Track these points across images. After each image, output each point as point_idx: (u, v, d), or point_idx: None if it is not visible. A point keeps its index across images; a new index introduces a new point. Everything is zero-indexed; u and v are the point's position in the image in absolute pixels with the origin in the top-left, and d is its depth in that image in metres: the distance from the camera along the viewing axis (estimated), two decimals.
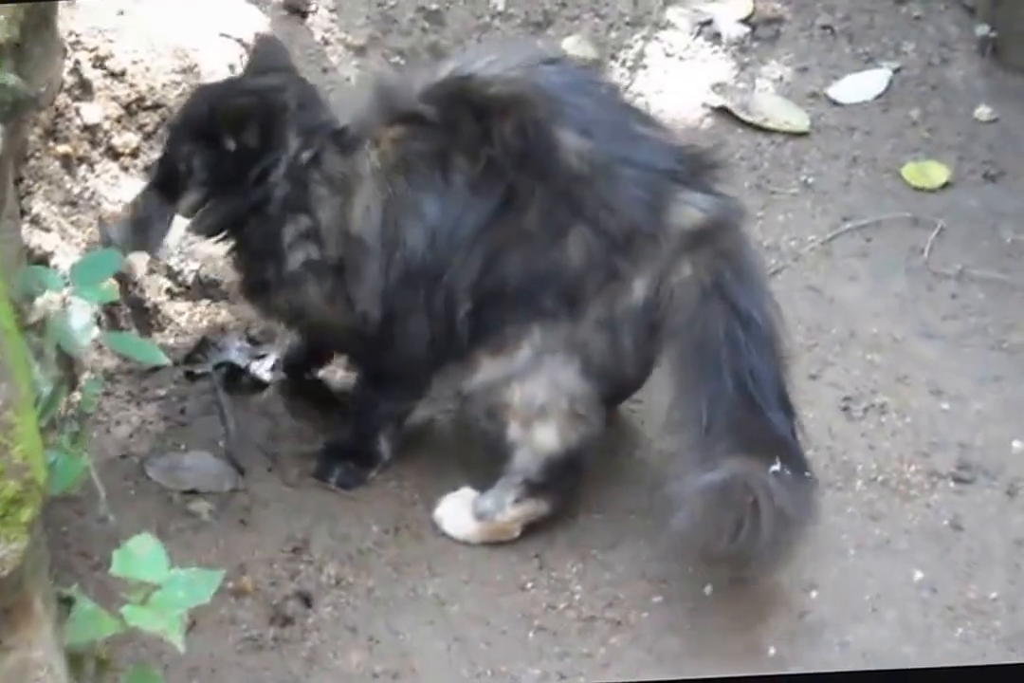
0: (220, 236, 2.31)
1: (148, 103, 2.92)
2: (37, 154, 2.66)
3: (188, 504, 2.35)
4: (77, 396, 2.07)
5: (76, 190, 2.70)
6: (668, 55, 3.56)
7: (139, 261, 2.65)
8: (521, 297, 2.22)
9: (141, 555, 1.59)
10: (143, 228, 2.28)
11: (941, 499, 2.47)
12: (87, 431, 1.81)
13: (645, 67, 3.52)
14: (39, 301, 1.80)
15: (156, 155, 2.69)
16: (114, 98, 2.88)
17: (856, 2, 3.67)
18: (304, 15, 3.32)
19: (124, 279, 2.61)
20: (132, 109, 2.90)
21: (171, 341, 2.63)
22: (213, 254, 2.72)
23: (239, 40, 3.14)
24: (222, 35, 3.13)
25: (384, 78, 2.46)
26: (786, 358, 2.25)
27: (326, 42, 3.30)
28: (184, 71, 2.99)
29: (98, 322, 2.39)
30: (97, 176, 2.76)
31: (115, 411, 2.50)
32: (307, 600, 2.22)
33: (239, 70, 3.03)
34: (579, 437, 2.23)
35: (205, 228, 2.30)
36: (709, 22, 3.64)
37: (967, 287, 2.88)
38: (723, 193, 2.30)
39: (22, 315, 1.76)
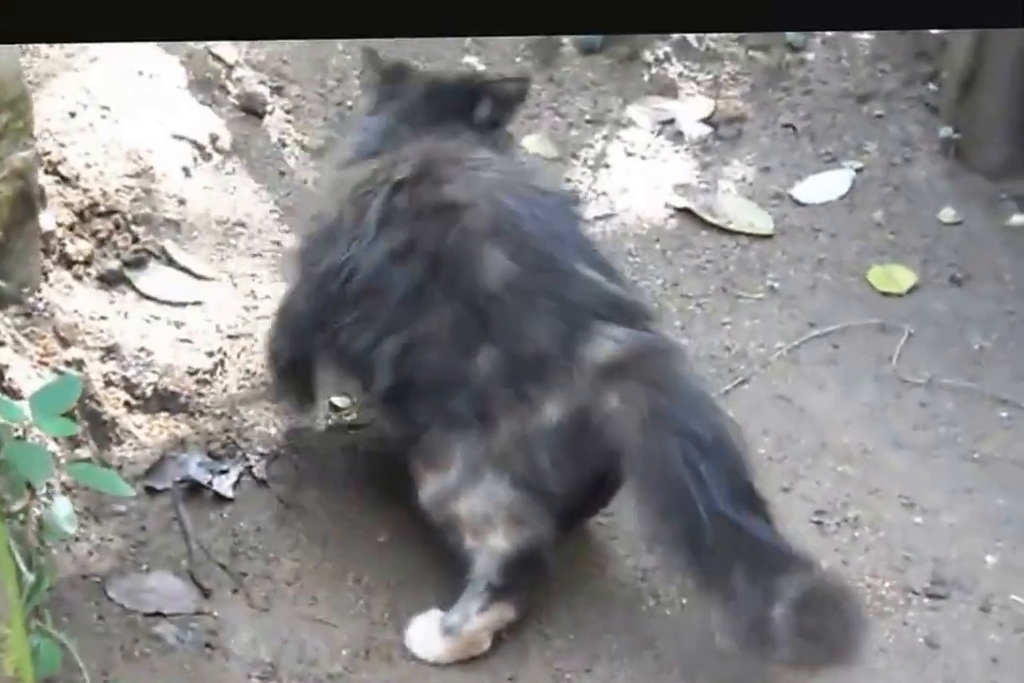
0: None
1: (102, 209, 2.97)
2: None
3: (152, 627, 2.38)
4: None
5: (28, 301, 2.74)
6: (630, 154, 3.66)
7: (96, 373, 2.69)
8: (434, 394, 2.32)
9: None
10: None
11: (916, 616, 2.54)
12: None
13: (607, 166, 3.61)
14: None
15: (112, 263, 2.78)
16: (67, 204, 2.92)
17: (818, 100, 3.79)
18: (260, 116, 3.40)
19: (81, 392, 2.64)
20: (85, 216, 2.94)
21: (130, 455, 2.66)
22: (173, 365, 2.77)
23: (193, 142, 3.21)
24: (176, 136, 3.20)
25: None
26: (752, 472, 2.32)
27: (283, 144, 3.39)
28: (138, 175, 3.06)
29: (55, 439, 2.45)
30: (50, 285, 2.79)
31: None
32: None
33: (193, 172, 3.10)
34: (526, 539, 2.32)
35: None
36: (671, 121, 3.76)
37: (936, 395, 2.97)
38: (649, 328, 2.38)
39: (4, 504, 1.81)
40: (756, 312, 3.19)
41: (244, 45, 3.56)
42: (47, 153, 2.96)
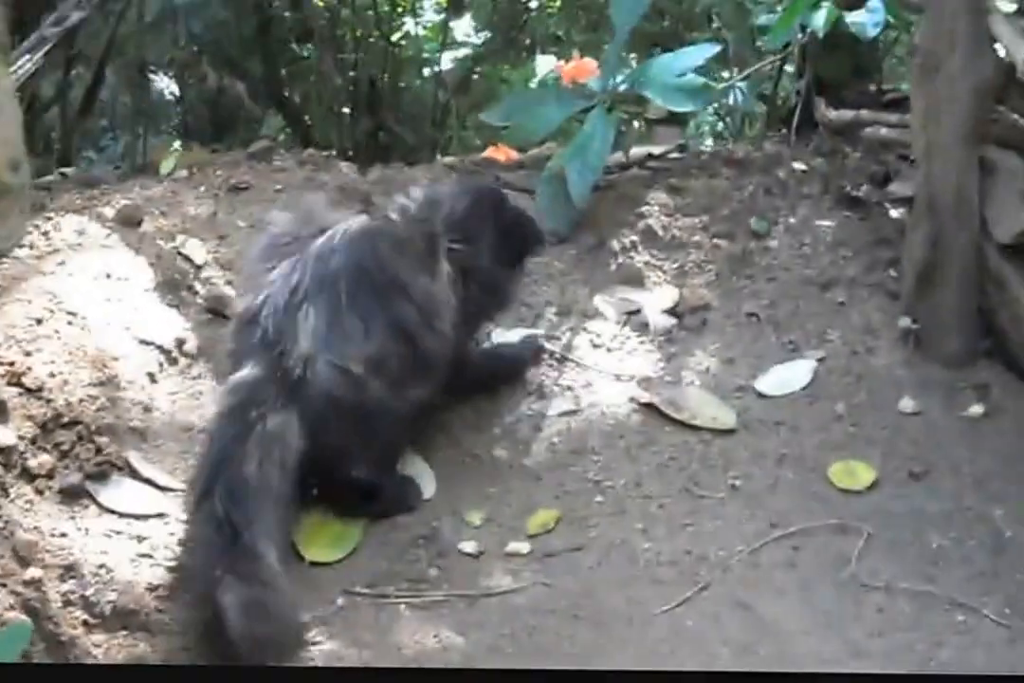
0: None
1: (65, 420, 3.05)
2: None
3: None
4: None
5: None
6: (596, 346, 3.76)
7: (54, 593, 2.74)
8: None
9: None
10: None
11: None
12: None
13: (573, 359, 3.69)
14: None
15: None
16: (30, 417, 3.00)
17: (781, 287, 3.91)
18: (227, 318, 3.50)
19: (38, 613, 2.70)
20: (48, 427, 3.02)
21: None
22: (133, 581, 2.83)
23: (160, 347, 3.31)
24: (143, 342, 3.30)
25: None
26: None
27: None
28: (103, 383, 3.15)
29: None
30: (11, 501, 2.86)
31: None
32: None
33: (159, 377, 3.19)
34: None
35: None
36: (637, 312, 3.85)
37: (894, 600, 3.03)
38: None
39: None
40: (718, 512, 3.25)
41: (213, 243, 3.66)
42: (11, 363, 3.05)
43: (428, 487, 3.28)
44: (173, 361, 3.34)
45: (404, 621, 2.92)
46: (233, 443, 2.87)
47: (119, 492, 3.02)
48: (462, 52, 6.74)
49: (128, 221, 3.61)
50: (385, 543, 3.13)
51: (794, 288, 3.91)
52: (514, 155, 4.35)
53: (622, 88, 4.06)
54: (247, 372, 2.99)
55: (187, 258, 3.61)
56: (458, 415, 3.49)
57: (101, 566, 2.83)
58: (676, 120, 4.44)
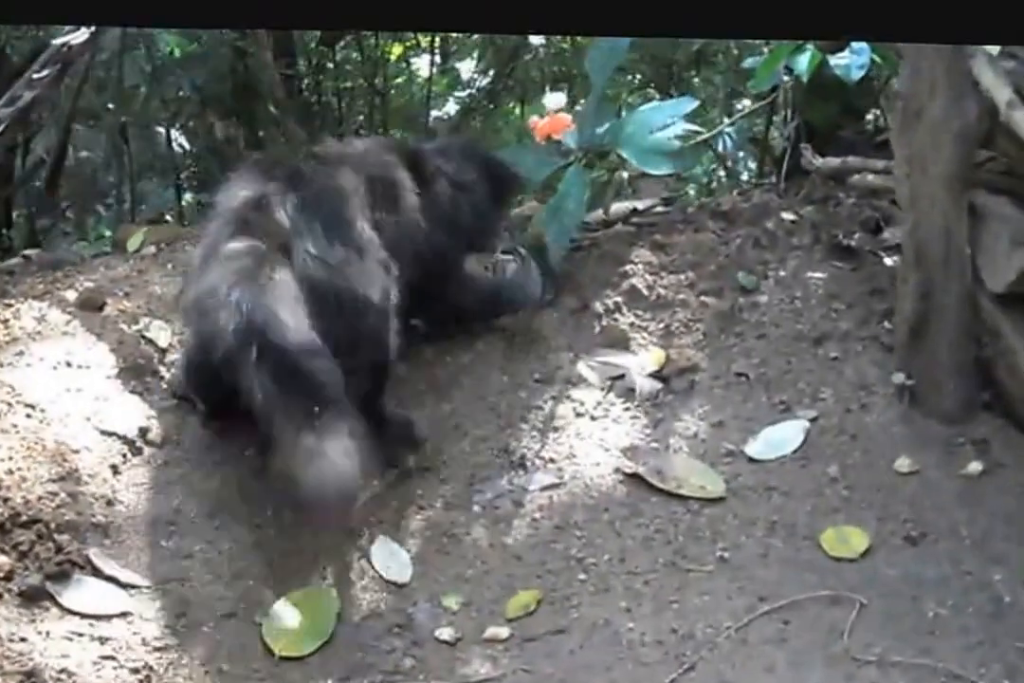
0: None
1: (24, 518, 3.09)
2: None
3: None
4: None
5: None
6: (579, 414, 3.77)
7: None
8: None
9: None
10: None
11: None
12: None
13: (556, 429, 3.72)
14: None
15: None
16: None
17: (771, 345, 3.91)
18: (195, 404, 3.53)
19: None
20: (6, 527, 3.06)
21: None
22: None
23: (123, 437, 3.34)
24: (105, 433, 3.33)
25: None
26: None
27: (217, 430, 3.50)
28: (63, 478, 3.19)
29: None
30: None
31: None
32: None
33: (122, 469, 3.22)
34: None
35: None
36: (621, 376, 3.86)
37: (888, 674, 3.03)
38: None
39: None
40: (706, 587, 3.26)
41: (178, 325, 3.70)
42: None
43: (404, 572, 3.27)
44: (137, 451, 3.36)
45: None
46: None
47: (81, 592, 3.04)
48: (454, 101, 6.77)
49: (90, 305, 3.66)
50: (358, 633, 3.14)
51: (785, 345, 3.92)
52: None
53: (599, 141, 4.04)
54: (240, 244, 3.22)
55: (151, 341, 3.64)
56: (435, 492, 3.49)
57: (62, 671, 2.87)
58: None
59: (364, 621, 3.16)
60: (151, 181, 6.37)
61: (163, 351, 3.62)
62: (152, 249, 4.09)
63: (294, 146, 5.35)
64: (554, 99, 4.25)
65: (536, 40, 6.44)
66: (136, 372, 3.54)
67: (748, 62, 4.70)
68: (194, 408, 3.49)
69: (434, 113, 6.56)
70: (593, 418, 3.75)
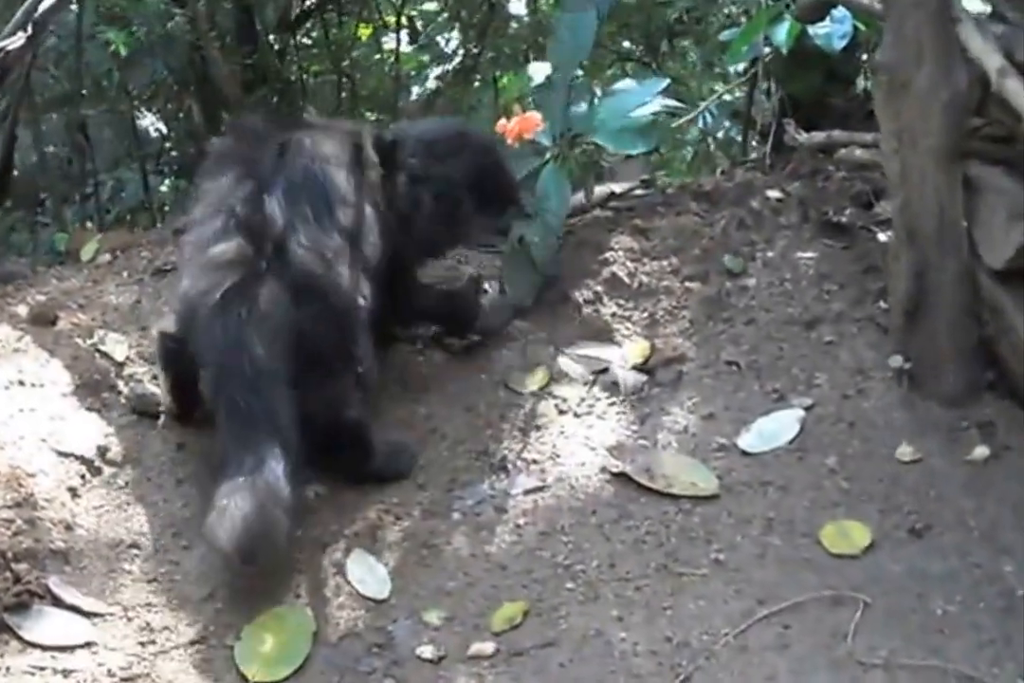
0: None
1: None
2: None
3: None
4: None
5: None
6: (562, 412, 3.71)
7: None
8: None
9: None
10: None
11: None
12: None
13: (537, 428, 3.66)
14: None
15: None
16: None
17: (761, 330, 3.85)
18: (155, 417, 3.47)
19: None
20: None
21: None
22: None
23: (81, 457, 3.28)
24: (62, 454, 3.28)
25: None
26: None
27: (179, 446, 3.45)
28: (19, 504, 3.14)
29: None
30: None
31: None
32: None
33: (81, 491, 3.16)
34: None
35: None
36: (605, 370, 3.80)
37: (896, 678, 2.97)
38: None
39: None
40: (700, 591, 3.20)
41: (135, 337, 3.64)
42: None
43: (382, 587, 3.22)
44: (96, 472, 3.32)
45: None
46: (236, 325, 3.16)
47: (41, 623, 3.00)
48: (426, 81, 6.70)
49: (42, 320, 3.60)
50: (336, 654, 3.09)
51: (776, 329, 3.87)
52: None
53: (572, 134, 3.98)
54: (228, 246, 3.25)
55: (107, 355, 3.59)
56: (413, 499, 3.44)
57: None
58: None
59: (341, 641, 3.11)
60: (130, 169, 6.29)
61: (120, 365, 3.57)
62: (107, 257, 4.03)
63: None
64: (539, 68, 4.17)
65: (515, 9, 6.37)
66: (92, 388, 3.49)
67: (725, 35, 4.63)
68: (156, 420, 3.41)
69: (415, 90, 6.46)
70: (576, 415, 3.69)
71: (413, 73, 6.85)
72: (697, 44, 5.17)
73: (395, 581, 3.27)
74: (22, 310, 3.69)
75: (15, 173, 4.83)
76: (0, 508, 3.09)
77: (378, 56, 6.79)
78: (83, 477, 3.27)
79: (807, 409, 3.64)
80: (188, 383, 3.34)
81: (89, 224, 5.63)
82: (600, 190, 4.28)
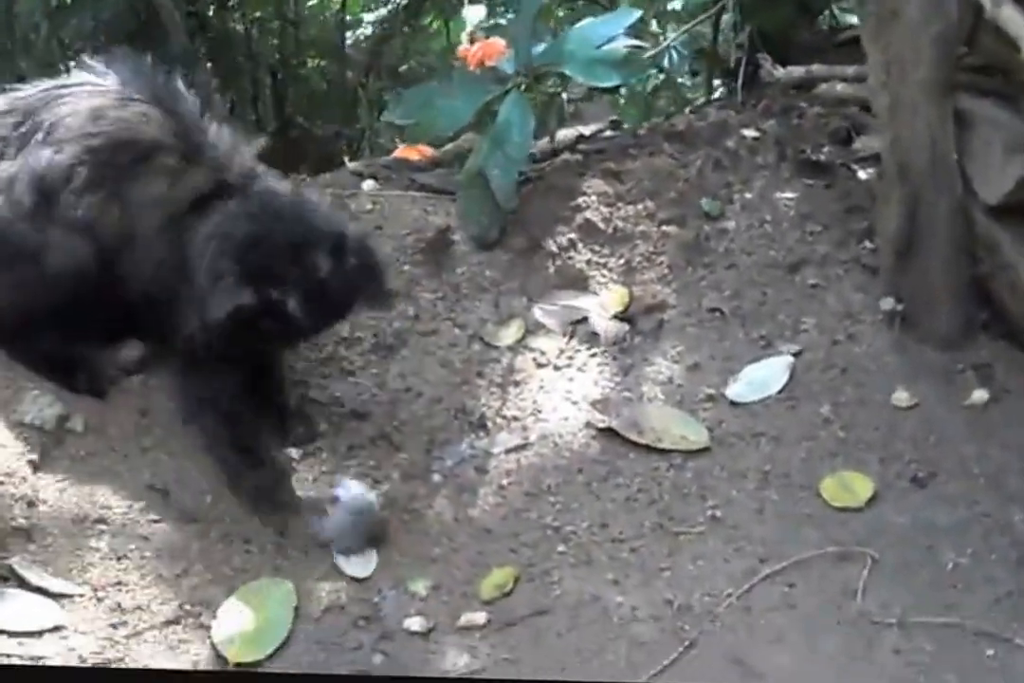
0: None
1: None
2: None
3: None
4: None
5: None
6: (541, 365, 3.53)
7: None
8: None
9: None
10: None
11: None
12: None
13: (516, 383, 3.48)
14: None
15: None
16: None
17: (743, 275, 3.67)
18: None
19: None
20: None
21: None
22: None
23: (40, 428, 3.08)
24: (19, 425, 3.11)
25: None
26: None
27: (143, 413, 3.23)
28: None
29: None
30: None
31: None
32: None
33: (42, 464, 2.96)
34: None
35: None
36: (583, 320, 3.61)
37: (911, 637, 2.82)
38: None
39: None
40: (698, 551, 3.04)
41: None
42: None
43: (368, 564, 3.01)
44: (57, 442, 3.09)
45: None
46: None
47: (6, 607, 2.79)
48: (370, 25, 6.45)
49: None
50: (319, 630, 2.89)
51: (759, 274, 3.69)
52: (428, 152, 4.08)
53: (537, 65, 3.75)
54: None
55: None
56: (390, 462, 3.24)
57: None
58: (606, 93, 4.16)
59: (325, 615, 2.93)
60: None
61: None
62: None
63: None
64: (473, 12, 3.94)
65: None
66: None
67: None
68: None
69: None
70: (556, 368, 3.51)
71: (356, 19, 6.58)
72: None
73: (377, 550, 3.04)
74: None
75: None
76: None
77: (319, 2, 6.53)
78: (43, 449, 3.03)
79: (796, 356, 3.48)
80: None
81: None
82: (567, 132, 4.07)
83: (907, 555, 2.99)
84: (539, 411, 3.39)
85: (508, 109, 3.71)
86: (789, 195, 3.83)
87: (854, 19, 4.31)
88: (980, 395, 3.32)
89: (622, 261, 3.75)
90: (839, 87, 3.84)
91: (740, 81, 4.16)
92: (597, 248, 3.76)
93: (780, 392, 3.39)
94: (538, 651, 2.84)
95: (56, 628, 2.79)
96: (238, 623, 2.86)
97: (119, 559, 2.95)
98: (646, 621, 2.89)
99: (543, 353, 3.55)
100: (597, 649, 2.84)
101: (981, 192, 3.35)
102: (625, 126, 4.18)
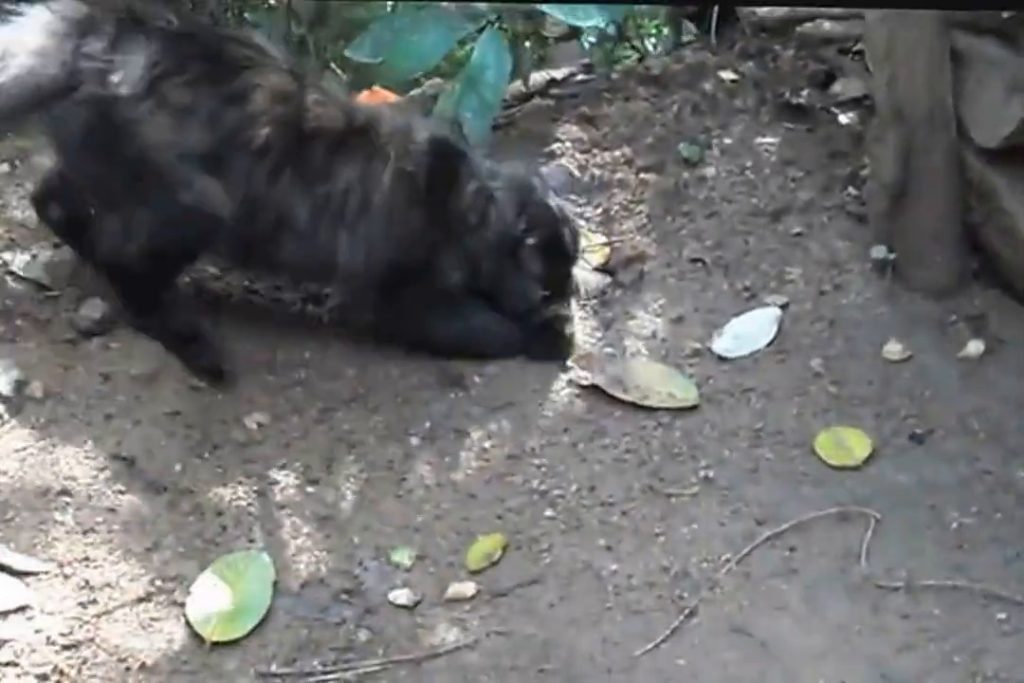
0: None
1: None
2: None
3: None
4: None
5: None
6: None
7: None
8: None
9: None
10: None
11: None
12: None
13: None
14: None
15: None
16: None
17: (725, 223, 3.51)
18: (86, 335, 3.04)
19: None
20: None
21: None
22: None
23: None
24: None
25: None
26: None
27: (106, 377, 3.02)
28: None
29: None
30: None
31: None
32: None
33: (2, 432, 2.75)
34: None
35: None
36: None
37: (919, 601, 2.68)
38: None
39: None
40: (692, 513, 2.87)
41: (47, 253, 3.19)
42: None
43: (344, 526, 2.83)
44: (16, 410, 2.89)
45: None
46: None
47: None
48: None
49: None
50: (300, 604, 2.72)
51: (740, 222, 3.52)
52: (392, 98, 3.85)
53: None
54: None
55: (19, 277, 3.12)
56: (365, 424, 3.05)
57: None
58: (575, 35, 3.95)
59: (305, 589, 2.74)
60: None
61: (38, 286, 3.09)
62: (5, 167, 3.53)
63: None
64: None
65: None
66: (5, 316, 3.03)
67: None
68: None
69: None
70: None
71: None
72: None
73: (356, 518, 2.85)
74: None
75: None
76: None
77: None
78: (1, 417, 2.81)
79: (782, 307, 3.32)
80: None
81: None
82: (539, 76, 3.84)
83: (910, 515, 2.84)
84: (519, 368, 3.19)
85: (483, 48, 3.50)
86: (770, 140, 3.67)
87: None
88: (975, 347, 3.18)
89: (600, 210, 3.58)
90: (827, 25, 3.62)
91: (714, 21, 3.93)
92: (573, 197, 3.56)
93: (768, 346, 3.25)
94: (531, 623, 2.69)
95: (21, 608, 2.62)
96: (214, 599, 2.68)
97: (85, 533, 2.75)
98: (642, 589, 2.73)
99: None
100: (593, 620, 2.68)
101: (977, 135, 3.19)
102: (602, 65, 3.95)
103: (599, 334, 3.29)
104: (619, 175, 3.61)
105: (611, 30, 3.95)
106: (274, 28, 4.29)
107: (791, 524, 2.82)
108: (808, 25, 3.69)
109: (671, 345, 3.25)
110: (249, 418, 3.05)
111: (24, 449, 2.86)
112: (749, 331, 3.26)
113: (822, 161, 3.60)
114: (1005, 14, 3.02)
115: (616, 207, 3.57)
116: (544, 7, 3.51)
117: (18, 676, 2.51)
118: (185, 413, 3.00)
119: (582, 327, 3.32)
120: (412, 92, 3.96)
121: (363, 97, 3.89)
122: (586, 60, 4.01)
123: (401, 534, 2.86)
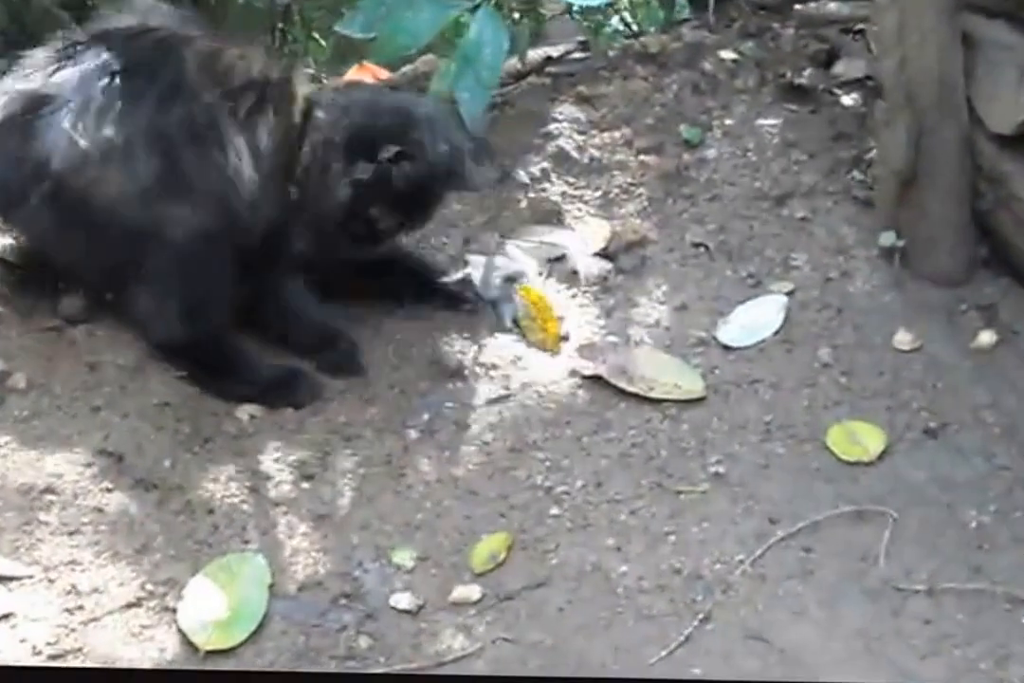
0: None
1: None
2: None
3: None
4: None
5: None
6: None
7: None
8: None
9: None
10: None
11: None
12: None
13: (493, 328, 3.10)
14: None
15: None
16: None
17: (728, 207, 3.34)
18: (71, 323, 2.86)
19: None
20: None
21: None
22: None
23: None
24: None
25: None
26: None
27: (92, 367, 2.83)
28: None
29: None
30: None
31: None
32: None
33: None
34: None
35: None
36: (561, 258, 3.24)
37: (941, 605, 2.52)
38: None
39: None
40: (703, 512, 2.70)
41: None
42: None
43: (341, 524, 2.65)
44: None
45: None
46: None
47: None
48: None
49: None
50: (297, 609, 2.53)
51: (744, 206, 3.35)
52: (384, 75, 3.66)
53: None
54: None
55: (2, 259, 2.93)
56: (361, 417, 2.87)
57: None
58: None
59: (302, 592, 2.55)
60: None
61: (20, 271, 2.89)
62: None
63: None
64: None
65: None
66: None
67: None
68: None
69: None
70: None
71: None
72: None
73: (354, 515, 2.67)
74: None
75: None
76: None
77: None
78: None
79: (788, 295, 3.13)
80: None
81: None
82: (534, 54, 3.65)
83: (928, 514, 2.69)
84: (519, 358, 3.05)
85: (479, 25, 3.30)
86: (772, 121, 3.50)
87: None
88: (987, 337, 3.03)
89: (599, 193, 3.40)
90: (832, 5, 3.45)
91: None
92: (572, 179, 3.42)
93: (775, 335, 3.09)
94: (539, 628, 2.52)
95: (5, 616, 2.44)
96: (207, 605, 2.50)
97: (71, 534, 2.57)
98: (653, 592, 2.57)
99: None
100: (603, 625, 2.51)
101: (989, 120, 3.04)
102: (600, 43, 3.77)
103: (602, 322, 3.14)
104: (618, 157, 3.45)
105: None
106: None
107: (806, 523, 2.67)
108: (813, 5, 3.50)
109: (675, 334, 3.09)
110: (241, 409, 2.87)
111: (6, 444, 2.70)
112: (755, 320, 3.11)
113: (826, 143, 3.45)
114: None
115: (616, 190, 3.41)
116: None
117: None
118: (174, 405, 2.82)
119: (584, 315, 3.12)
120: (404, 69, 3.75)
121: (353, 73, 3.70)
122: (581, 38, 3.80)
123: (401, 533, 2.69)
